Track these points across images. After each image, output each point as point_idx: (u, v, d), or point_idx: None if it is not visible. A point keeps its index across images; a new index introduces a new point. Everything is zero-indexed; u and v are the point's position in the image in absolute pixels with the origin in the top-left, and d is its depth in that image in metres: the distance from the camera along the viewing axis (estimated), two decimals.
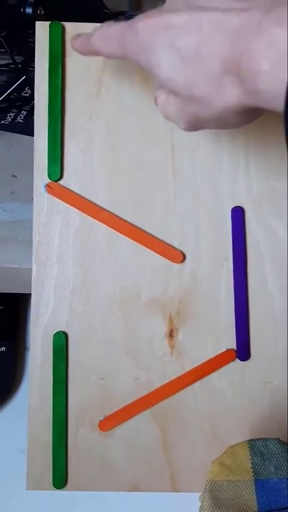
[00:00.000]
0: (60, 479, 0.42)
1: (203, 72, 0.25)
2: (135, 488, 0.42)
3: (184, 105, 0.28)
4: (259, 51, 0.22)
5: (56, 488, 0.42)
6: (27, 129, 0.54)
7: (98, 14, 0.62)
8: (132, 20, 0.28)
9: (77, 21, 0.42)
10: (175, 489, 0.42)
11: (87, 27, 0.41)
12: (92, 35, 0.31)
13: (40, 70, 0.42)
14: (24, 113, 0.58)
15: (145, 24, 0.27)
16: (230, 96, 0.25)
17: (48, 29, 0.42)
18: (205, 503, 0.38)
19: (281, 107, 0.22)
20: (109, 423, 0.42)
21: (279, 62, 0.22)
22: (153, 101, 0.31)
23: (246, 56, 0.23)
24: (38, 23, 0.42)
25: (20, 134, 0.55)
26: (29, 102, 0.59)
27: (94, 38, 0.31)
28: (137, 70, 0.42)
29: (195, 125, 0.30)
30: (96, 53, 0.32)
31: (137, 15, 0.29)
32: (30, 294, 0.43)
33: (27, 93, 0.60)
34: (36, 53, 0.42)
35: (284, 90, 0.21)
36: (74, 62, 0.42)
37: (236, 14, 0.24)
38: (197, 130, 0.30)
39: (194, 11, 0.25)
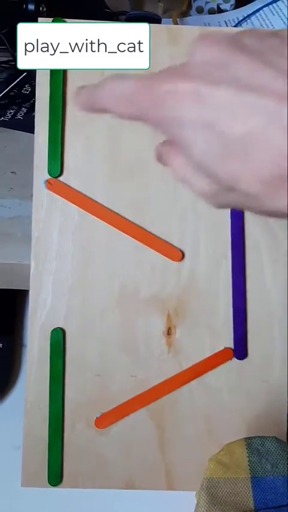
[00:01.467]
0: (55, 476, 0.42)
1: (252, 171, 0.20)
2: (130, 486, 0.42)
3: (220, 193, 0.22)
4: None
5: (51, 485, 0.42)
6: (27, 126, 0.54)
7: (99, 12, 0.62)
8: (151, 76, 0.22)
9: (78, 19, 0.42)
10: (170, 487, 0.42)
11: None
12: (99, 89, 0.24)
13: None
14: (25, 110, 0.58)
15: (171, 87, 0.21)
16: (285, 204, 0.20)
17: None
18: (201, 500, 0.37)
19: None
20: (105, 420, 0.42)
21: None
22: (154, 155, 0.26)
23: None
24: (40, 19, 0.43)
25: (18, 131, 0.55)
26: (29, 99, 0.59)
27: (103, 95, 0.24)
28: None
29: (228, 207, 0.24)
30: (106, 112, 0.25)
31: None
32: (27, 290, 0.43)
33: (27, 90, 0.60)
34: None
35: None
36: None
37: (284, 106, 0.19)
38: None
39: (236, 86, 0.20)
